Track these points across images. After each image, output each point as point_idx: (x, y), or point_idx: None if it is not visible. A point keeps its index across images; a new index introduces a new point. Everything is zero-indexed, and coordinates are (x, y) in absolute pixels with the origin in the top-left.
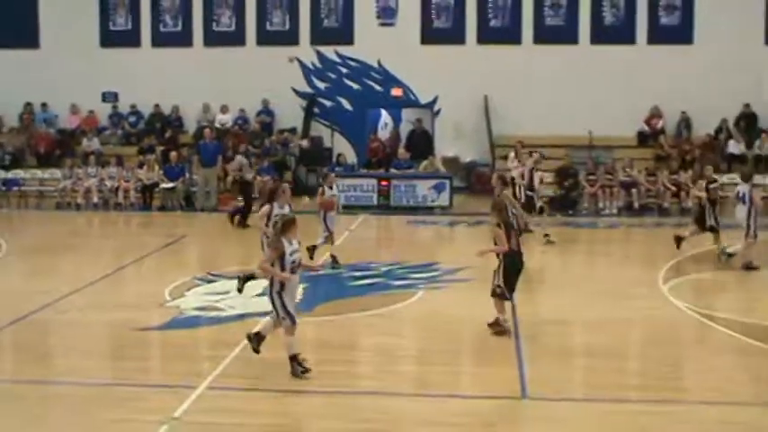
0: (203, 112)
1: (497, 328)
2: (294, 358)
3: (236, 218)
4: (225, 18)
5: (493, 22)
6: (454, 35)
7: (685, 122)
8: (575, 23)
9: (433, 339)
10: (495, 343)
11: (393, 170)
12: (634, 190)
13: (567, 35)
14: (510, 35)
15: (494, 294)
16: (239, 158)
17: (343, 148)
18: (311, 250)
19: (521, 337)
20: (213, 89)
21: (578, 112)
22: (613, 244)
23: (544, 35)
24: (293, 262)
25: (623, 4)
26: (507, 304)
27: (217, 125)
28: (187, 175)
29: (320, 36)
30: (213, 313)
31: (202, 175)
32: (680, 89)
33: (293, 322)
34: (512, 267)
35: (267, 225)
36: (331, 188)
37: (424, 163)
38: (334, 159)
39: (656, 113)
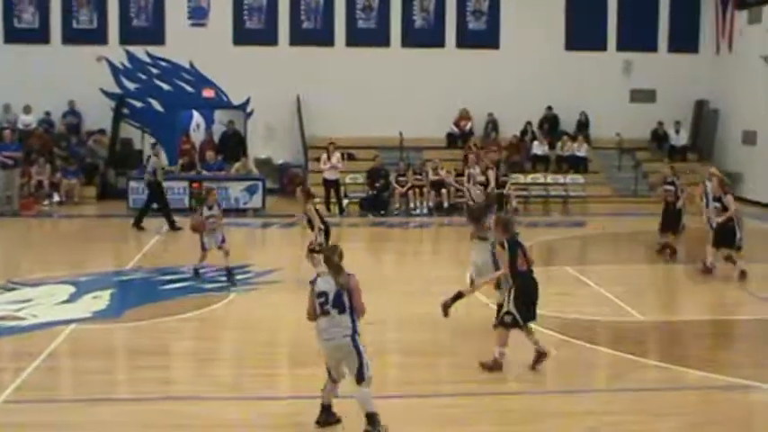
0: (4, 112)
1: (493, 365)
2: (374, 416)
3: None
4: (27, 14)
5: (305, 24)
6: (266, 36)
7: (492, 124)
8: (386, 26)
9: (247, 341)
10: (308, 343)
11: (204, 172)
12: (443, 190)
13: (378, 38)
14: (322, 37)
15: (501, 324)
16: (154, 160)
17: None
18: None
19: None
20: (15, 88)
21: (390, 113)
22: (424, 243)
23: (356, 38)
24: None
25: (433, 9)
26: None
27: (19, 126)
28: None
29: (130, 35)
30: (13, 323)
31: (2, 178)
32: (487, 92)
33: (371, 375)
34: (525, 290)
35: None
36: (211, 208)
37: (237, 165)
38: (144, 162)
39: (464, 115)
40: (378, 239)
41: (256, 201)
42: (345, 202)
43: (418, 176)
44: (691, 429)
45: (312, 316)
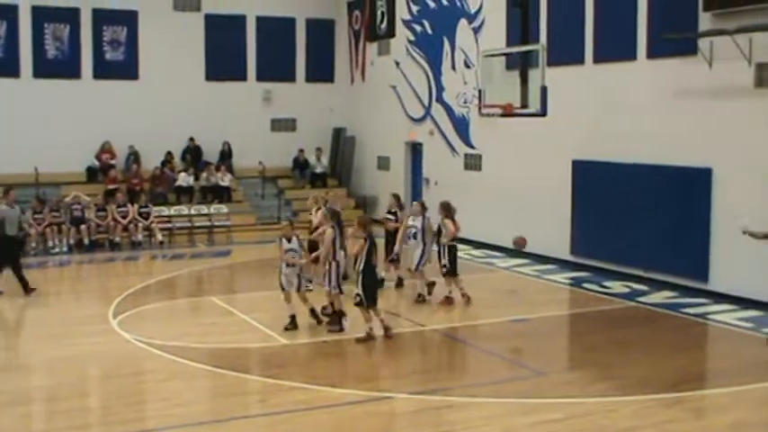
0: None
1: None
2: None
3: None
4: None
5: None
6: None
7: (134, 156)
8: (15, 56)
9: None
10: None
11: None
12: (83, 226)
13: (8, 70)
14: None
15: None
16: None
17: None
18: None
19: None
20: None
21: (23, 148)
22: (64, 283)
23: None
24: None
25: (67, 38)
26: None
27: None
28: None
29: None
30: None
31: None
32: (128, 124)
33: None
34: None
35: None
36: None
37: None
38: None
39: (106, 148)
40: (14, 281)
41: None
42: None
43: (56, 213)
44: None
45: None
